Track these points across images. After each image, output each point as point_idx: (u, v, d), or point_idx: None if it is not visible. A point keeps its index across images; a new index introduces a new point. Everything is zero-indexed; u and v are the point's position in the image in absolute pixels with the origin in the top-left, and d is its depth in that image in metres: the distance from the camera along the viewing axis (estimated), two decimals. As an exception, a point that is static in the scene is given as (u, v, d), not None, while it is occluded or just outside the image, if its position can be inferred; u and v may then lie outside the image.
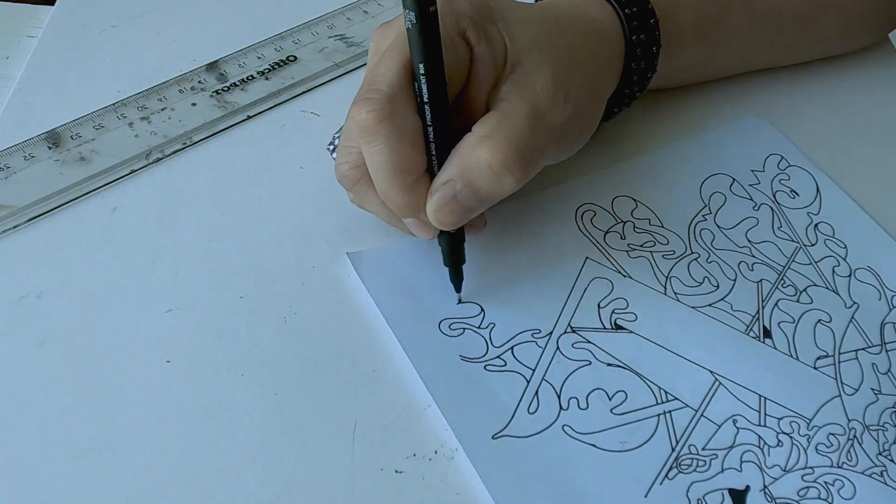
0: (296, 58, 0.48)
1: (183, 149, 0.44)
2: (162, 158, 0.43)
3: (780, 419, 0.34)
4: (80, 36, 0.49)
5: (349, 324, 0.37)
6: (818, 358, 0.36)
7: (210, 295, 0.38)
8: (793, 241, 0.40)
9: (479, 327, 0.36)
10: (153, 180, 0.42)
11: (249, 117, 0.45)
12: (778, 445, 0.33)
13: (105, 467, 0.32)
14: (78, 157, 0.42)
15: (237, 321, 0.37)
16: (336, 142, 0.38)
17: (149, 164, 0.43)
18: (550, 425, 0.33)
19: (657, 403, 0.34)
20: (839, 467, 0.32)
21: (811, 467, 0.32)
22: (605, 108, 0.40)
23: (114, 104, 0.45)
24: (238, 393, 0.34)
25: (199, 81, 0.46)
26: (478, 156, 0.33)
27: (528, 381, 0.34)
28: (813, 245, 0.40)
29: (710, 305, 0.37)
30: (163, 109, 0.45)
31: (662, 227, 0.40)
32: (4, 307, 0.37)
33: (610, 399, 0.34)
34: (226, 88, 0.46)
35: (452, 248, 0.36)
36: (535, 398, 0.34)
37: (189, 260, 0.39)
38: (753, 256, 0.39)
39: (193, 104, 0.45)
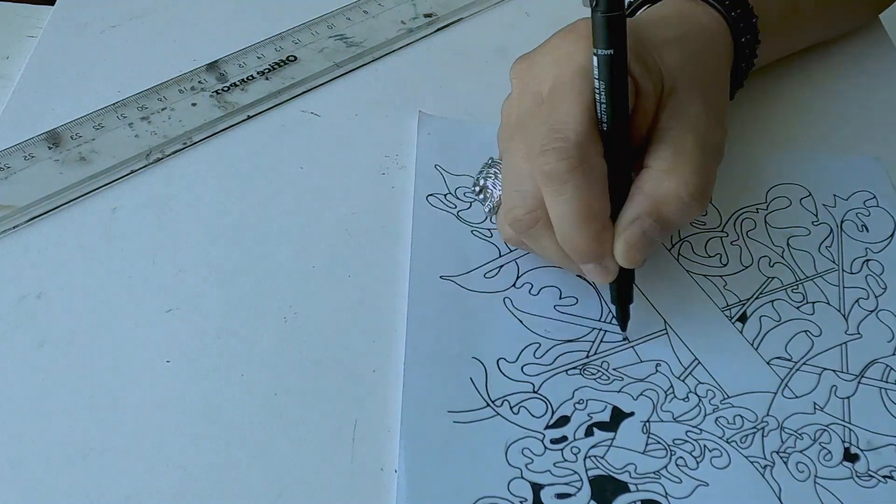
0: (296, 58, 0.48)
1: (183, 149, 0.44)
2: (162, 158, 0.43)
3: (700, 383, 0.35)
4: (80, 36, 0.49)
5: (349, 324, 0.37)
6: (777, 357, 0.36)
7: (210, 295, 0.38)
8: (833, 262, 0.39)
9: None
10: (153, 180, 0.42)
11: (249, 117, 0.45)
12: (684, 399, 0.34)
13: (105, 467, 0.32)
14: (78, 157, 0.42)
15: (237, 321, 0.37)
16: (484, 183, 0.38)
17: (149, 164, 0.43)
18: (496, 292, 0.36)
19: (599, 320, 0.37)
20: (727, 441, 0.33)
21: (701, 429, 0.34)
22: None
23: (114, 104, 0.45)
24: (238, 393, 0.34)
25: (199, 81, 0.46)
26: (666, 189, 0.33)
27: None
28: (853, 274, 0.39)
29: (704, 276, 0.38)
30: (163, 109, 0.45)
31: (710, 201, 0.40)
32: (4, 307, 0.37)
33: (560, 298, 0.37)
34: (226, 88, 0.46)
35: (624, 286, 0.35)
36: (499, 269, 0.38)
37: (189, 260, 0.39)
38: (782, 258, 0.39)
39: (193, 104, 0.45)
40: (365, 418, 0.34)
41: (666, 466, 0.32)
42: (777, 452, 0.33)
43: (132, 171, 0.42)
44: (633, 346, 0.36)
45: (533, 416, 0.33)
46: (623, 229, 0.34)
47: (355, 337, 0.36)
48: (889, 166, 0.44)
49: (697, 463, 0.32)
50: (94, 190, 0.41)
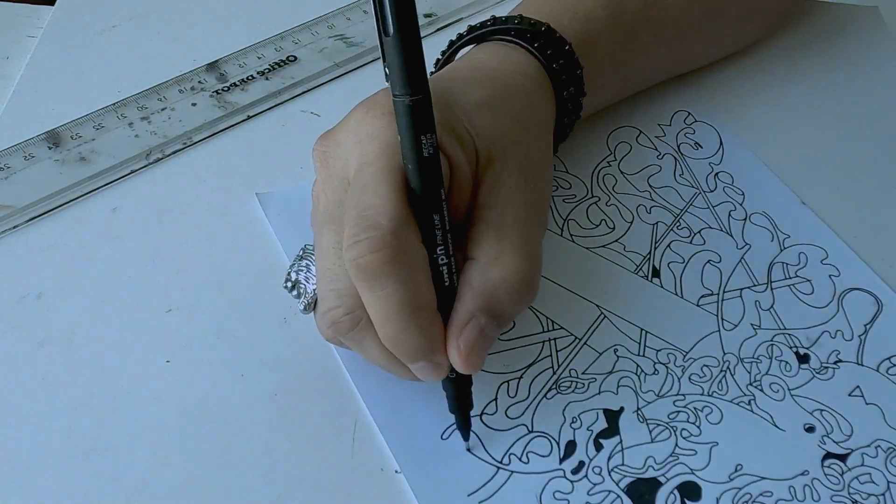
0: (296, 58, 0.48)
1: (183, 149, 0.44)
2: (162, 158, 0.43)
3: (658, 350, 0.36)
4: (80, 36, 0.49)
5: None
6: (702, 296, 0.38)
7: (210, 295, 0.38)
8: (692, 187, 0.42)
9: None
10: (153, 180, 0.42)
11: (249, 117, 0.45)
12: (654, 374, 0.35)
13: (105, 467, 0.32)
14: (78, 157, 0.42)
15: (237, 321, 0.37)
16: (296, 278, 0.34)
17: (149, 164, 0.43)
18: None
19: (543, 332, 0.36)
20: (709, 395, 0.34)
21: (683, 394, 0.34)
22: None
23: (114, 104, 0.45)
24: (238, 393, 0.34)
25: (199, 81, 0.46)
26: (497, 282, 0.30)
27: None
28: (712, 191, 0.41)
29: (603, 247, 0.39)
30: (163, 109, 0.45)
31: (567, 171, 0.42)
32: (4, 307, 0.37)
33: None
34: (226, 88, 0.46)
35: (461, 391, 0.32)
36: None
37: (189, 260, 0.39)
38: (653, 200, 0.41)
39: (193, 104, 0.45)
40: (365, 418, 0.34)
41: (676, 445, 0.33)
42: (750, 385, 0.35)
43: (132, 171, 0.42)
44: (585, 343, 0.36)
45: (543, 457, 0.33)
46: (459, 331, 0.30)
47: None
48: (691, 79, 0.46)
49: (699, 428, 0.33)
50: (95, 190, 0.41)
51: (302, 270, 0.34)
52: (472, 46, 0.39)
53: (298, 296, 0.34)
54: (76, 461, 0.32)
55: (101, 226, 0.40)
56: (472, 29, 0.39)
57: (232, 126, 0.45)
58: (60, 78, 0.47)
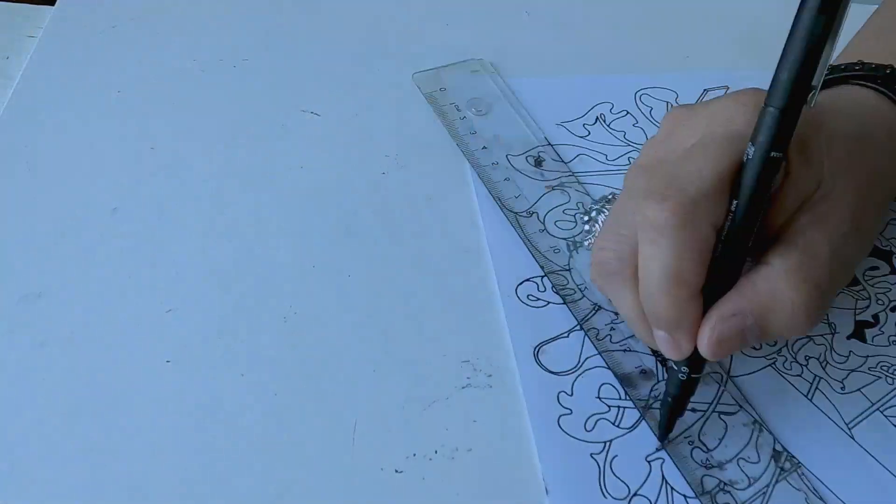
0: None
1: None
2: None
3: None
4: (80, 36, 0.49)
5: (349, 323, 0.37)
6: None
7: (210, 295, 0.38)
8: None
9: None
10: (153, 180, 0.42)
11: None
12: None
13: (105, 467, 0.32)
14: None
15: (237, 321, 0.37)
16: (595, 215, 0.37)
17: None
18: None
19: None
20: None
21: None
22: None
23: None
24: (238, 393, 0.34)
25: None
26: (781, 293, 0.30)
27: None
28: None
29: None
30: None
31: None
32: (4, 307, 0.37)
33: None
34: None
35: (683, 392, 0.32)
36: None
37: (189, 260, 0.39)
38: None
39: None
40: (365, 418, 0.34)
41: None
42: None
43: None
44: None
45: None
46: (719, 320, 0.30)
47: (355, 337, 0.36)
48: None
49: None
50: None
51: (603, 212, 0.37)
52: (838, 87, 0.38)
53: (589, 231, 0.38)
54: (76, 461, 0.32)
55: (101, 226, 0.40)
56: (834, 69, 0.38)
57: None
58: (60, 78, 0.47)
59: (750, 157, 0.29)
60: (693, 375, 0.32)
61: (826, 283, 0.30)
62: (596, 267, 0.33)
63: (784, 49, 0.28)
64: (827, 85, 0.37)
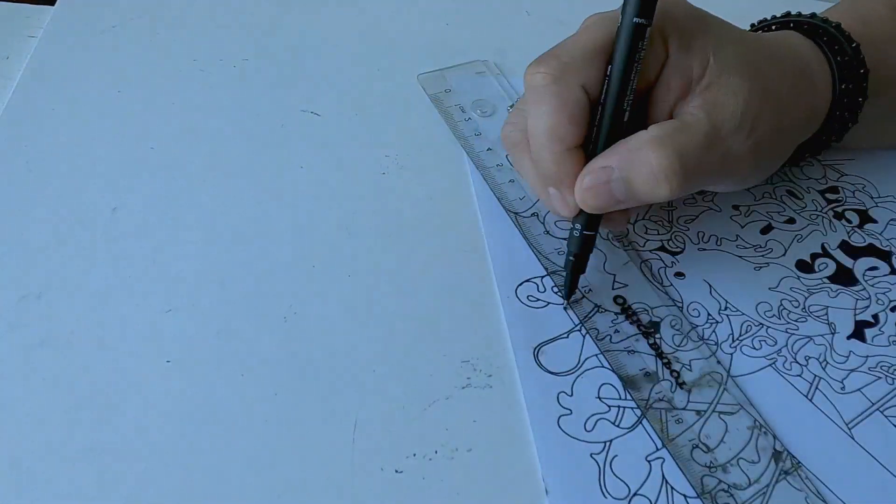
0: None
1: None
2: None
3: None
4: (80, 36, 0.49)
5: (349, 323, 0.37)
6: None
7: (210, 295, 0.38)
8: None
9: None
10: (153, 180, 0.42)
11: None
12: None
13: (105, 467, 0.32)
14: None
15: (237, 321, 0.37)
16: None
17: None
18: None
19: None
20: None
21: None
22: (797, 151, 0.39)
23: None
24: (238, 393, 0.34)
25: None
26: (644, 154, 0.33)
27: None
28: None
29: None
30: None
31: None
32: (4, 307, 0.37)
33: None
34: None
35: (580, 252, 0.36)
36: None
37: (189, 260, 0.39)
38: None
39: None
40: (365, 418, 0.34)
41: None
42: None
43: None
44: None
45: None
46: (589, 170, 0.34)
47: (355, 337, 0.36)
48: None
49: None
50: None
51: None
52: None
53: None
54: (76, 461, 0.32)
55: (101, 226, 0.40)
56: (761, 22, 0.41)
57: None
58: (60, 78, 0.47)
59: (619, 24, 0.34)
60: (586, 232, 0.36)
61: (692, 157, 0.33)
62: (504, 141, 0.38)
63: None
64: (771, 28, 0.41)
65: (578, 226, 0.36)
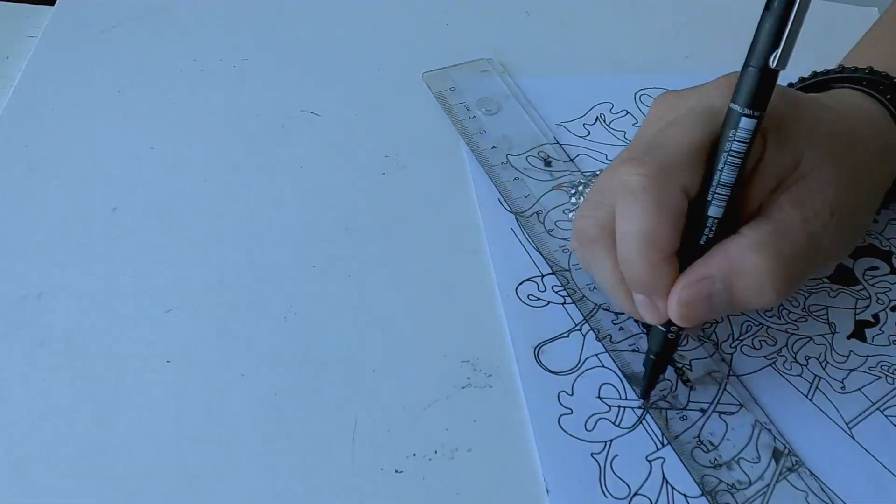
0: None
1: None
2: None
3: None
4: (80, 36, 0.49)
5: (349, 323, 0.37)
6: None
7: (210, 295, 0.38)
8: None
9: None
10: (153, 180, 0.42)
11: None
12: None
13: (105, 467, 0.32)
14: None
15: (237, 321, 0.37)
16: (581, 189, 0.39)
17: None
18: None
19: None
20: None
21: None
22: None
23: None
24: (238, 393, 0.34)
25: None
26: (750, 261, 0.30)
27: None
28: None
29: None
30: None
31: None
32: (4, 307, 0.37)
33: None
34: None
35: (664, 351, 0.33)
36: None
37: (189, 260, 0.39)
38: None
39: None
40: (365, 418, 0.34)
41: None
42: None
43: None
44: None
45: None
46: (688, 283, 0.31)
47: (355, 337, 0.36)
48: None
49: None
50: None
51: (590, 184, 0.39)
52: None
53: (576, 203, 0.40)
54: (76, 461, 0.32)
55: (101, 226, 0.40)
56: (816, 74, 0.39)
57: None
58: (60, 78, 0.47)
59: (725, 119, 0.31)
60: (671, 335, 0.33)
61: (795, 260, 0.31)
62: (576, 234, 0.34)
63: (762, 14, 0.30)
64: (823, 88, 0.38)
65: (673, 328, 0.33)
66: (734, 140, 0.30)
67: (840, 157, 0.33)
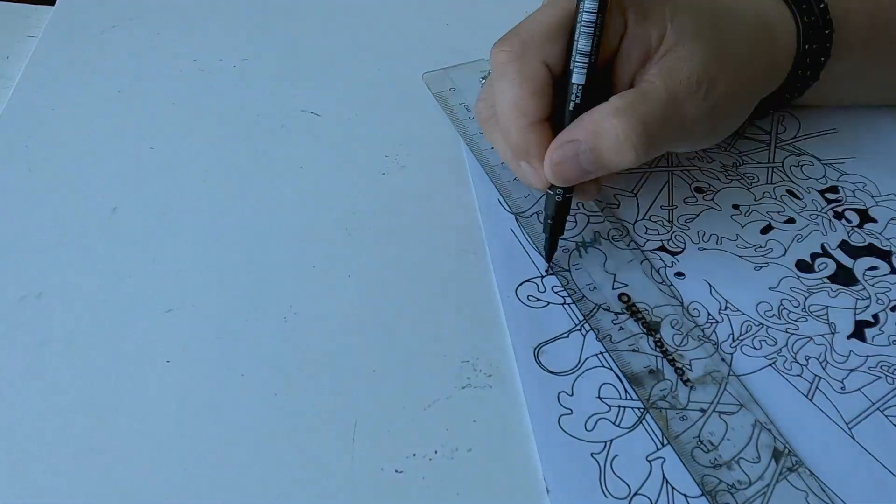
0: None
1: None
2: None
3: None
4: (80, 36, 0.49)
5: (349, 323, 0.37)
6: None
7: (210, 295, 0.38)
8: None
9: None
10: (153, 180, 0.42)
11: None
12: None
13: (105, 467, 0.32)
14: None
15: (237, 321, 0.37)
16: (487, 77, 0.42)
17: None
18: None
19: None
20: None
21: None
22: (760, 106, 0.40)
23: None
24: (238, 393, 0.34)
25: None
26: (609, 124, 0.34)
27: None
28: None
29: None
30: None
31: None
32: (4, 307, 0.37)
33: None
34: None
35: (556, 214, 0.37)
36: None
37: (189, 260, 0.39)
38: None
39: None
40: (365, 418, 0.34)
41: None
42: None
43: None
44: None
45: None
46: (558, 145, 0.35)
47: (355, 337, 0.36)
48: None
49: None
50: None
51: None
52: None
53: None
54: (76, 461, 0.32)
55: (101, 226, 0.40)
56: None
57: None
58: (60, 78, 0.47)
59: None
60: (567, 196, 0.37)
61: (654, 122, 0.34)
62: (477, 116, 0.40)
63: None
64: None
65: (559, 191, 0.37)
66: (584, 11, 0.34)
67: (707, 35, 0.36)
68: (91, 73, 0.47)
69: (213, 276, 0.38)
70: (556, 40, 0.35)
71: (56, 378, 0.35)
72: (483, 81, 0.44)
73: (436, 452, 0.33)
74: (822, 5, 0.39)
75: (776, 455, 0.33)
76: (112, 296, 0.37)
